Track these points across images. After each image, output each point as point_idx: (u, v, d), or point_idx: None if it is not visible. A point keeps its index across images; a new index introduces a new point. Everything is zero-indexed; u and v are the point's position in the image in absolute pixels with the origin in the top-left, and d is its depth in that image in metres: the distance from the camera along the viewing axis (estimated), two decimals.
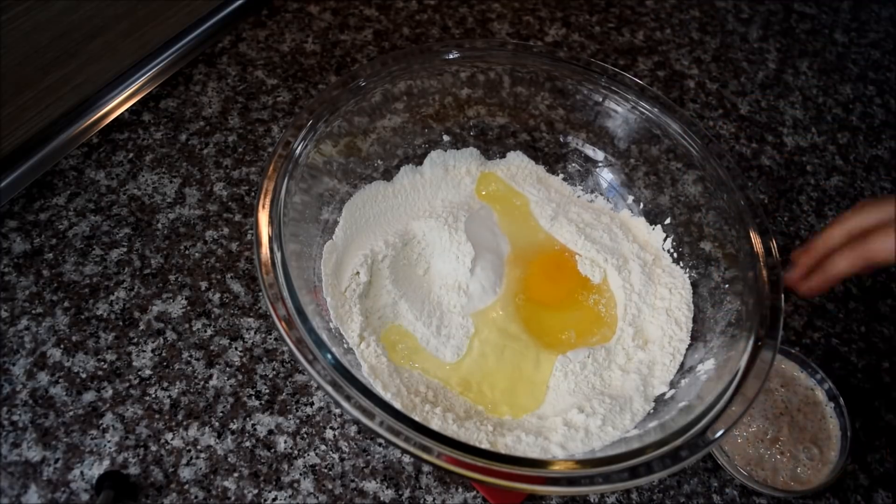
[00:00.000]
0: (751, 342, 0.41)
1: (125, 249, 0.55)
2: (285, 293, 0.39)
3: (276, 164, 0.44)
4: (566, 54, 0.53)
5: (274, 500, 0.45)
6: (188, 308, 0.52)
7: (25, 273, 0.52)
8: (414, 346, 0.47)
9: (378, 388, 0.42)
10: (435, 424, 0.42)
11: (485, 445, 0.41)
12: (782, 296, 0.42)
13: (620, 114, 0.53)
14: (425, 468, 0.47)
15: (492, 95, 0.55)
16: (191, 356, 0.50)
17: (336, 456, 0.47)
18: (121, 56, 0.62)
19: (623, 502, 0.48)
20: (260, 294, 0.53)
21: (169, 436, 0.47)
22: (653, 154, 0.52)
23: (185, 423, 0.47)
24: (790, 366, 0.52)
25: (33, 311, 0.51)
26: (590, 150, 0.56)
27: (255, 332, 0.52)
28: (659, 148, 0.52)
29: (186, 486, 0.45)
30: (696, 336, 0.48)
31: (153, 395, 0.48)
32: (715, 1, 0.81)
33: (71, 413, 0.47)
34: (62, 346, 0.50)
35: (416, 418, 0.38)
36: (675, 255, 0.52)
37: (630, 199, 0.55)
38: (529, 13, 0.76)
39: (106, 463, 0.45)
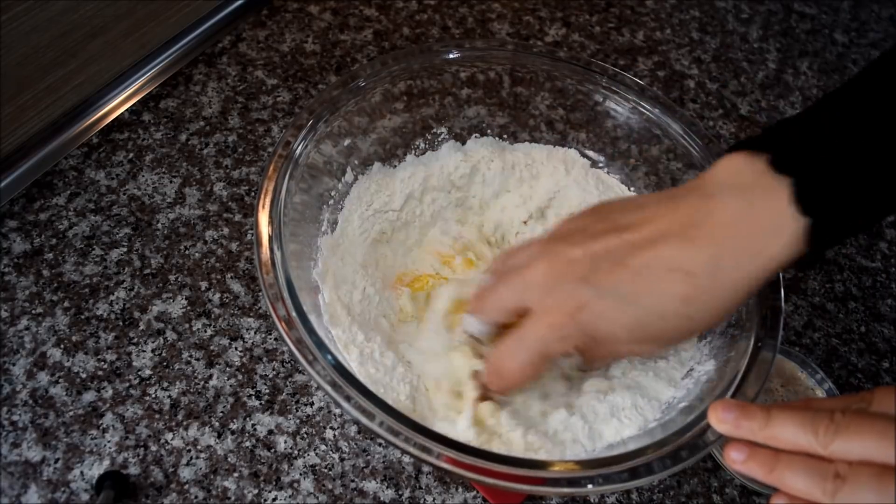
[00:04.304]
0: (751, 343, 0.41)
1: (125, 249, 0.55)
2: (285, 293, 0.39)
3: (276, 164, 0.44)
4: (566, 54, 0.53)
5: (274, 500, 0.45)
6: (188, 308, 0.52)
7: (25, 273, 0.52)
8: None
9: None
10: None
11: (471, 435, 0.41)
12: (782, 296, 0.42)
13: (620, 114, 0.53)
14: (425, 468, 0.47)
15: (492, 95, 0.55)
16: (191, 356, 0.50)
17: (336, 456, 0.47)
18: (121, 56, 0.62)
19: (623, 502, 0.48)
20: (260, 294, 0.53)
21: (169, 436, 0.47)
22: (653, 154, 0.52)
23: (185, 423, 0.47)
24: (790, 366, 0.52)
25: (33, 311, 0.51)
26: (590, 151, 0.56)
27: (255, 332, 0.52)
28: (659, 148, 0.52)
29: (186, 486, 0.45)
30: (697, 337, 0.48)
31: (153, 395, 0.48)
32: (715, 1, 0.81)
33: (71, 413, 0.47)
34: (62, 346, 0.50)
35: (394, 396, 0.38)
36: None
37: None
38: (529, 13, 0.76)
39: (106, 463, 0.45)
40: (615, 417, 0.42)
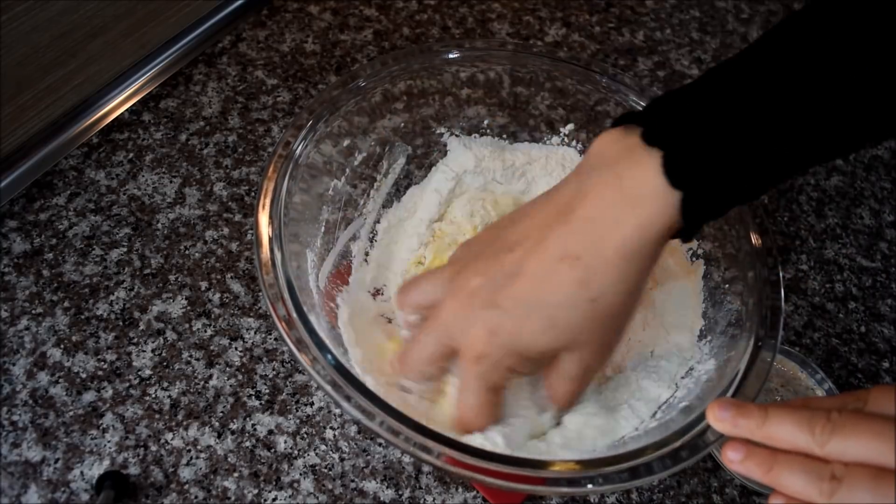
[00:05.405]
0: (751, 342, 0.41)
1: (125, 249, 0.55)
2: (285, 293, 0.39)
3: (276, 164, 0.44)
4: (566, 54, 0.53)
5: (274, 500, 0.45)
6: (188, 308, 0.52)
7: (25, 273, 0.52)
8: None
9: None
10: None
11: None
12: (782, 296, 0.42)
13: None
14: (425, 468, 0.47)
15: (492, 95, 0.55)
16: (191, 356, 0.50)
17: (336, 456, 0.47)
18: (121, 56, 0.62)
19: (623, 502, 0.48)
20: (260, 294, 0.53)
21: (169, 436, 0.47)
22: None
23: (185, 423, 0.47)
24: (790, 366, 0.52)
25: (33, 311, 0.51)
26: None
27: (255, 332, 0.52)
28: None
29: (186, 486, 0.45)
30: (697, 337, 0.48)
31: (153, 395, 0.48)
32: (715, 1, 0.81)
33: (71, 413, 0.47)
34: (62, 346, 0.50)
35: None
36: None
37: None
38: (529, 13, 0.76)
39: (106, 463, 0.45)
40: (611, 417, 0.42)
